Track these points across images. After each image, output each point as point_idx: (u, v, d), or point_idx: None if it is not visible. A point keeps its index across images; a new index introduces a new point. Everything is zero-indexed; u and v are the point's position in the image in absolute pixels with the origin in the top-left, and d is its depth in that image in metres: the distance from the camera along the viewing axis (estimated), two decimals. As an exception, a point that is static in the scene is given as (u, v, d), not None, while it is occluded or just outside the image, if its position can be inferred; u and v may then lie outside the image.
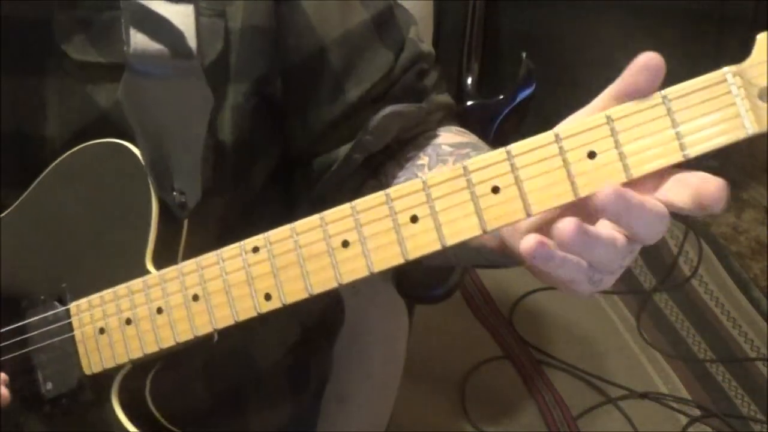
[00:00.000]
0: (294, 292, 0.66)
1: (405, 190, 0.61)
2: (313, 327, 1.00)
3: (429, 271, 1.25)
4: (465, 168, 0.59)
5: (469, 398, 1.83)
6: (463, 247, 0.71)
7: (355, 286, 1.11)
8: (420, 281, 1.25)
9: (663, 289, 2.03)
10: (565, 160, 0.57)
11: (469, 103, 1.71)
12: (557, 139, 0.57)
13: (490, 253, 0.70)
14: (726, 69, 0.54)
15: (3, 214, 0.80)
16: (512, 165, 0.58)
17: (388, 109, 0.80)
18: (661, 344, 1.94)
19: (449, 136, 0.83)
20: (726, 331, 1.97)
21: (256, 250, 0.67)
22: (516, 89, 1.61)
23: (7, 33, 0.77)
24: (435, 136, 0.83)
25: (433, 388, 1.84)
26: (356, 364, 1.12)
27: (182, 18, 0.76)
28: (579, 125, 0.56)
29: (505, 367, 1.90)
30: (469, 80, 1.80)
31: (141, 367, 0.75)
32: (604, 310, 2.00)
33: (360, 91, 0.81)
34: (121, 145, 0.75)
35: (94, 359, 0.75)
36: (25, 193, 0.79)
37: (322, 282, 0.65)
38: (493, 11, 1.94)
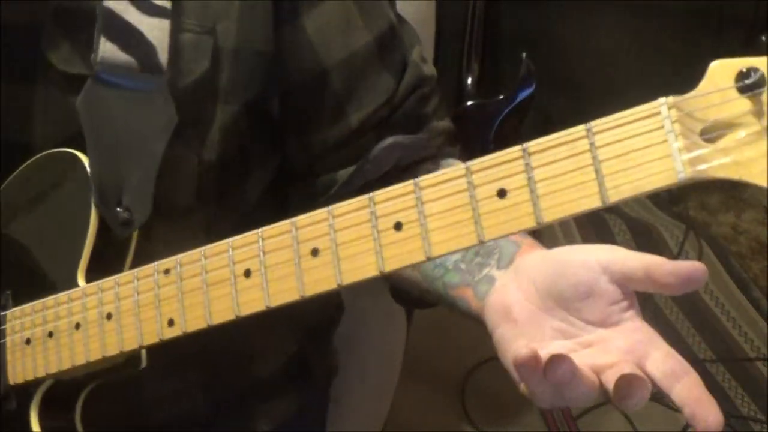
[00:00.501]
0: (195, 319, 0.63)
1: (311, 218, 0.57)
2: (311, 331, 1.00)
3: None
4: (371, 198, 0.55)
5: (469, 398, 1.83)
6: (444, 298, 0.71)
7: (354, 289, 1.11)
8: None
9: (663, 289, 2.03)
10: (472, 197, 0.51)
11: (469, 103, 1.70)
12: (467, 172, 0.52)
13: (465, 311, 0.70)
14: (662, 99, 0.47)
15: None
16: (418, 198, 0.53)
17: (390, 140, 0.79)
18: (661, 344, 1.94)
19: None
20: (726, 331, 1.96)
21: (167, 271, 0.64)
22: (516, 89, 1.61)
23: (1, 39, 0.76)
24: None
25: (433, 388, 1.84)
26: (353, 366, 1.12)
27: (156, 32, 0.74)
28: (493, 157, 0.51)
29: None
30: (469, 80, 1.80)
31: (69, 383, 0.74)
32: (604, 310, 2.00)
33: (361, 116, 0.80)
34: (73, 154, 0.74)
35: (17, 369, 0.74)
36: None
37: (221, 312, 0.61)
38: (494, 11, 1.94)
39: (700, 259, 2.07)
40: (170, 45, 0.74)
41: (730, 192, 2.13)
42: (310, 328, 1.00)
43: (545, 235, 1.89)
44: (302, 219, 0.58)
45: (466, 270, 0.69)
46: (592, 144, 0.48)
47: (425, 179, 0.53)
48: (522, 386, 0.58)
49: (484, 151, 0.78)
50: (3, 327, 0.75)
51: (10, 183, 0.79)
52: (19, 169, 0.78)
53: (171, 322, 0.64)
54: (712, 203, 2.09)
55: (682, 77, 0.52)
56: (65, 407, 0.74)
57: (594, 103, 1.87)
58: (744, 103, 0.46)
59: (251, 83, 0.79)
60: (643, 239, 2.05)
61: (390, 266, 0.54)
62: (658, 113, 0.47)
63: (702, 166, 0.46)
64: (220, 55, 0.77)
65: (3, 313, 0.76)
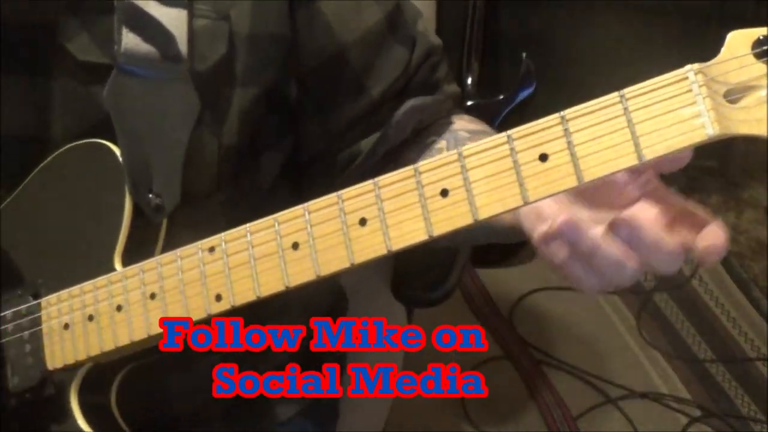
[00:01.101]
0: (243, 292, 0.65)
1: (356, 191, 0.60)
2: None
3: (424, 274, 1.25)
4: (416, 169, 0.58)
5: (469, 398, 1.83)
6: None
7: (355, 285, 1.11)
8: (416, 285, 1.24)
9: (663, 289, 2.03)
10: (515, 162, 0.55)
11: (469, 103, 1.70)
12: (509, 139, 0.55)
13: (501, 228, 0.70)
14: (689, 66, 0.51)
15: None
16: (463, 166, 0.56)
17: (410, 104, 0.82)
18: (661, 344, 1.94)
19: (464, 124, 0.86)
20: (726, 331, 1.96)
21: (212, 249, 0.67)
22: (516, 89, 1.61)
23: (13, 35, 0.77)
24: (450, 122, 0.86)
25: (433, 388, 1.84)
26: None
27: (175, 21, 0.76)
28: (532, 125, 0.55)
29: (505, 367, 1.89)
30: (469, 80, 1.80)
31: (106, 367, 0.75)
32: (604, 310, 2.00)
33: (381, 89, 0.83)
34: (103, 144, 0.76)
35: (56, 354, 0.75)
36: (15, 192, 0.80)
37: (270, 283, 0.64)
38: (493, 11, 1.94)
39: (700, 259, 2.07)
40: (188, 33, 0.76)
41: (730, 192, 2.13)
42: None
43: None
44: (347, 192, 0.60)
45: None
46: (625, 109, 0.52)
47: (468, 148, 0.56)
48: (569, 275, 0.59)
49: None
50: (38, 314, 0.77)
51: (37, 174, 0.80)
52: (48, 159, 0.79)
53: (219, 297, 0.66)
54: (712, 203, 2.09)
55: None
56: (102, 392, 0.76)
57: (594, 103, 1.87)
58: (761, 68, 0.50)
59: (267, 67, 0.80)
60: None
61: (438, 230, 0.57)
62: (686, 78, 0.51)
63: (727, 124, 0.50)
64: (236, 41, 0.78)
65: (37, 301, 0.77)
